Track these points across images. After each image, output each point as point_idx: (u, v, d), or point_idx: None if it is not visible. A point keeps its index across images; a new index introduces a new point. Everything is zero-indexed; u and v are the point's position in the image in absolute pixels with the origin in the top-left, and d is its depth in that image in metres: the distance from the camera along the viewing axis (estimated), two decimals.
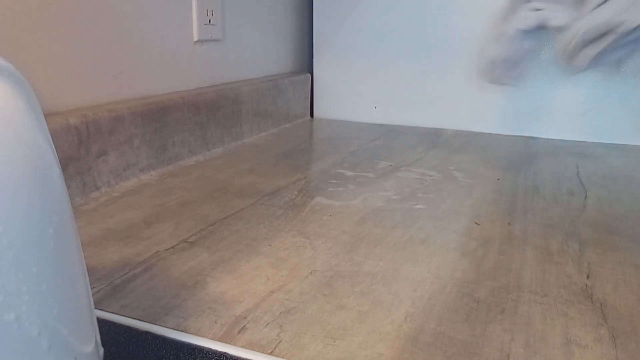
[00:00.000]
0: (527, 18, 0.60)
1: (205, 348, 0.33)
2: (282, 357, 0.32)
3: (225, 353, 0.33)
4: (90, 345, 0.24)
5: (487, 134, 1.00)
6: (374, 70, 1.07)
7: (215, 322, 0.36)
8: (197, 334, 0.35)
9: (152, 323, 0.36)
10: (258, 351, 0.33)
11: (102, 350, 0.26)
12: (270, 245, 0.49)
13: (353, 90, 1.10)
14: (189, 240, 0.49)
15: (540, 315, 0.38)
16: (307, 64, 1.19)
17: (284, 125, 1.04)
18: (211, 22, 0.83)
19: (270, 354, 0.33)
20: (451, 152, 0.86)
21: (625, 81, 0.91)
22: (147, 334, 0.34)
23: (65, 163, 0.57)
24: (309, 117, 1.15)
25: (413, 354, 0.33)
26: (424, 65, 1.03)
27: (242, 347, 0.33)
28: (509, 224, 0.55)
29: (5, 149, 0.19)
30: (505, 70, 0.61)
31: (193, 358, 0.32)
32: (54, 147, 0.22)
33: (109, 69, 0.66)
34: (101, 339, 0.26)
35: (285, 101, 1.04)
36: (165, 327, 0.35)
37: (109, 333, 0.34)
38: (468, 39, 0.99)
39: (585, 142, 0.94)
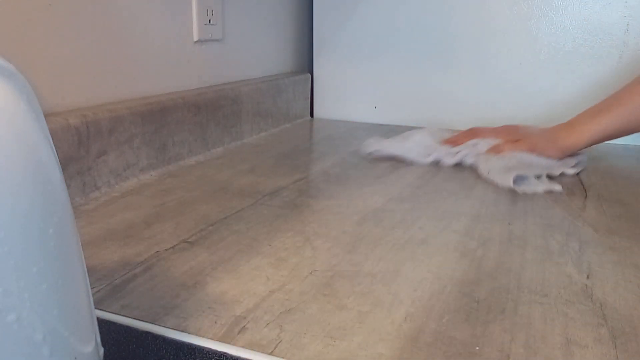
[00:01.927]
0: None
1: (205, 348, 0.33)
2: (282, 357, 0.32)
3: (225, 353, 0.33)
4: (90, 345, 0.24)
5: None
6: (374, 70, 1.07)
7: (215, 322, 0.36)
8: (197, 334, 0.35)
9: (152, 323, 0.36)
10: (258, 351, 0.33)
11: (102, 350, 0.26)
12: (270, 245, 0.49)
13: (353, 90, 1.10)
14: (189, 240, 0.49)
15: (540, 315, 0.38)
16: (307, 64, 1.19)
17: (284, 125, 1.04)
18: (211, 22, 0.83)
19: (271, 353, 0.33)
20: None
21: (626, 81, 0.91)
22: (147, 334, 0.34)
23: (65, 163, 0.57)
24: (309, 117, 1.15)
25: (413, 353, 0.33)
26: (424, 65, 1.03)
27: (242, 347, 0.33)
28: (509, 224, 0.55)
29: (6, 149, 0.19)
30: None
31: (193, 358, 0.32)
32: (54, 147, 0.22)
33: (109, 69, 0.66)
34: (101, 339, 0.26)
35: (285, 101, 1.04)
36: (165, 327, 0.35)
37: (109, 333, 0.34)
38: (468, 38, 0.99)
39: None
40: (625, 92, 0.74)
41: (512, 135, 0.77)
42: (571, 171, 0.74)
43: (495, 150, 0.76)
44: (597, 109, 0.74)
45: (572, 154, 0.76)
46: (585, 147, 0.75)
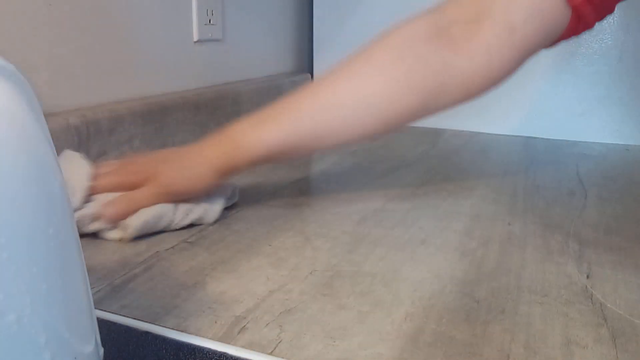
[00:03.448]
0: None
1: (205, 348, 0.33)
2: (282, 357, 0.32)
3: (225, 353, 0.33)
4: (90, 345, 0.24)
5: (487, 134, 1.00)
6: None
7: (215, 322, 0.36)
8: (197, 334, 0.35)
9: (152, 323, 0.36)
10: (258, 351, 0.33)
11: (102, 350, 0.26)
12: (270, 245, 0.48)
13: None
14: (189, 240, 0.49)
15: (540, 315, 0.38)
16: (307, 64, 1.19)
17: None
18: (211, 22, 0.83)
19: (270, 354, 0.33)
20: (451, 152, 0.86)
21: (625, 81, 0.91)
22: (147, 334, 0.34)
23: None
24: None
25: (413, 354, 0.33)
26: None
27: (242, 347, 0.33)
28: (509, 224, 0.55)
29: (6, 150, 0.19)
30: None
31: (193, 358, 0.32)
32: (54, 147, 0.22)
33: (109, 69, 0.66)
34: (101, 339, 0.26)
35: None
36: (165, 327, 0.35)
37: (109, 333, 0.34)
38: None
39: (585, 142, 0.94)
40: (299, 95, 0.54)
41: (137, 175, 0.51)
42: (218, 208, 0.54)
43: (115, 212, 0.48)
44: (260, 115, 0.54)
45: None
46: (248, 168, 0.54)
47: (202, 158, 0.52)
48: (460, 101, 0.55)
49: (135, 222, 0.48)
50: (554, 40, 0.56)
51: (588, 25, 0.54)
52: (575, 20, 0.53)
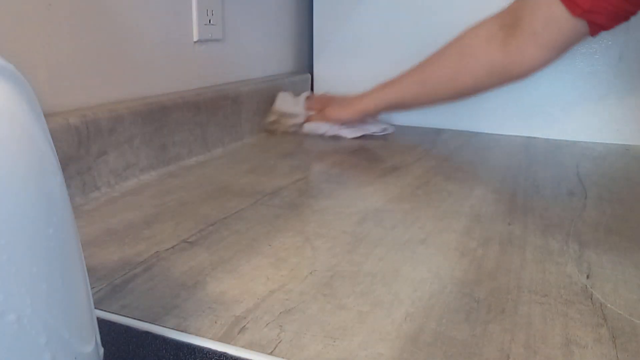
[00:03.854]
0: None
1: (205, 348, 0.33)
2: (282, 357, 0.33)
3: (225, 353, 0.33)
4: (90, 345, 0.24)
5: (487, 134, 1.00)
6: (374, 71, 1.07)
7: (215, 322, 0.36)
8: (197, 334, 0.35)
9: (152, 323, 0.36)
10: (258, 351, 0.33)
11: (102, 350, 0.26)
12: (270, 245, 0.49)
13: (353, 90, 1.10)
14: (189, 240, 0.49)
15: (540, 315, 0.38)
16: (307, 64, 1.19)
17: None
18: (211, 22, 0.83)
19: (270, 354, 0.33)
20: (451, 152, 0.86)
21: (626, 81, 0.91)
22: (147, 334, 0.34)
23: (65, 163, 0.57)
24: None
25: (413, 354, 0.33)
26: None
27: (242, 347, 0.33)
28: (509, 224, 0.55)
29: (6, 149, 0.19)
30: None
31: (193, 358, 0.32)
32: (54, 147, 0.22)
33: (109, 69, 0.66)
34: (101, 339, 0.26)
35: None
36: (165, 327, 0.35)
37: (109, 333, 0.34)
38: None
39: (585, 142, 0.94)
40: (410, 70, 0.86)
41: (322, 104, 0.96)
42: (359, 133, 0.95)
43: (313, 119, 0.96)
44: (388, 82, 0.88)
45: (366, 120, 0.95)
46: (374, 112, 0.92)
47: (350, 103, 0.92)
48: (503, 84, 0.81)
49: (310, 125, 0.96)
50: (585, 35, 0.72)
51: (604, 28, 0.71)
52: (591, 24, 0.69)
